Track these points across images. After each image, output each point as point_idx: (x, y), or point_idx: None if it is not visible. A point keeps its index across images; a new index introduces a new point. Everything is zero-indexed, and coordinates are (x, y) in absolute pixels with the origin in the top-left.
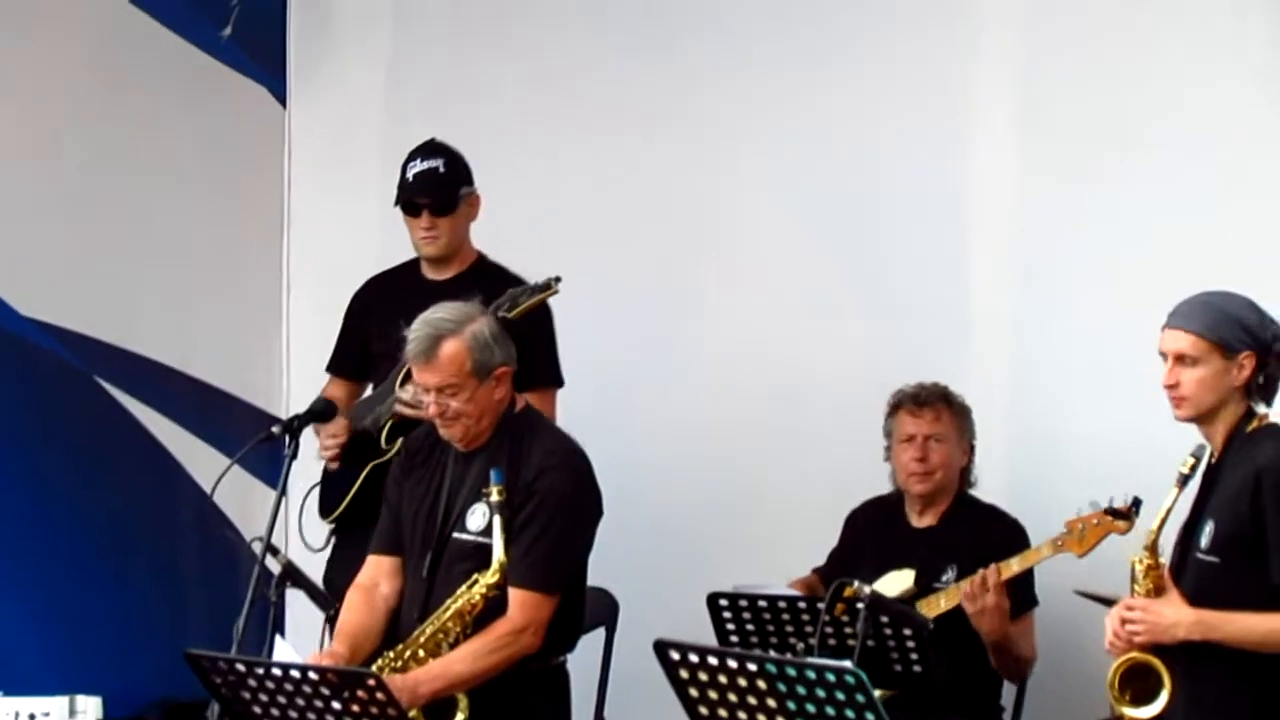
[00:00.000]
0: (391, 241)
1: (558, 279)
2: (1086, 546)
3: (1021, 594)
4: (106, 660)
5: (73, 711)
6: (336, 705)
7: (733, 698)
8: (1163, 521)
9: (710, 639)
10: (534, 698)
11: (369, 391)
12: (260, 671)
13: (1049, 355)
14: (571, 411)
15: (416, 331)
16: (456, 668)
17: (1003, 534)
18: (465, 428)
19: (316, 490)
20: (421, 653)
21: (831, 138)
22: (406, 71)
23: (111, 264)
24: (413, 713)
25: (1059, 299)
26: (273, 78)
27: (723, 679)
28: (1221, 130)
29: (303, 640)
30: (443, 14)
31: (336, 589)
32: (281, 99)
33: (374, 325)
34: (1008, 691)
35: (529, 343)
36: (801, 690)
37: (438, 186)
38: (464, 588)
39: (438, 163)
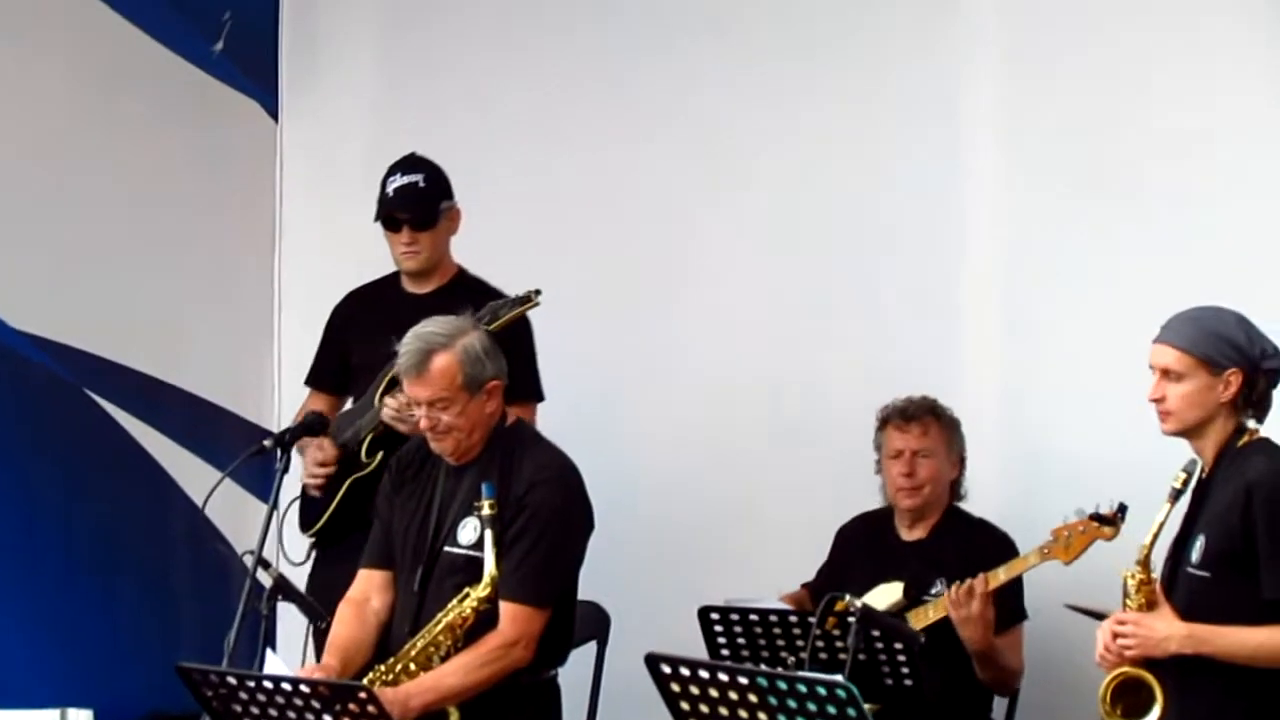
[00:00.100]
0: (383, 255)
1: (538, 291)
2: (1073, 554)
3: (1010, 607)
4: (97, 673)
5: None
6: (328, 718)
7: (724, 711)
8: (1155, 536)
9: (701, 652)
10: (525, 711)
11: (349, 405)
12: (251, 684)
13: (1040, 369)
14: (562, 424)
15: (408, 345)
16: (448, 681)
17: (992, 546)
18: (456, 441)
19: (297, 504)
20: (413, 666)
21: (822, 149)
22: (398, 86)
23: (102, 277)
24: None
25: (1050, 312)
26: (265, 92)
27: (714, 692)
28: (1210, 156)
29: (293, 654)
30: (433, 30)
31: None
32: (273, 113)
33: (354, 339)
34: (998, 706)
35: (508, 356)
36: (792, 704)
37: (418, 201)
38: (455, 601)
39: (418, 177)
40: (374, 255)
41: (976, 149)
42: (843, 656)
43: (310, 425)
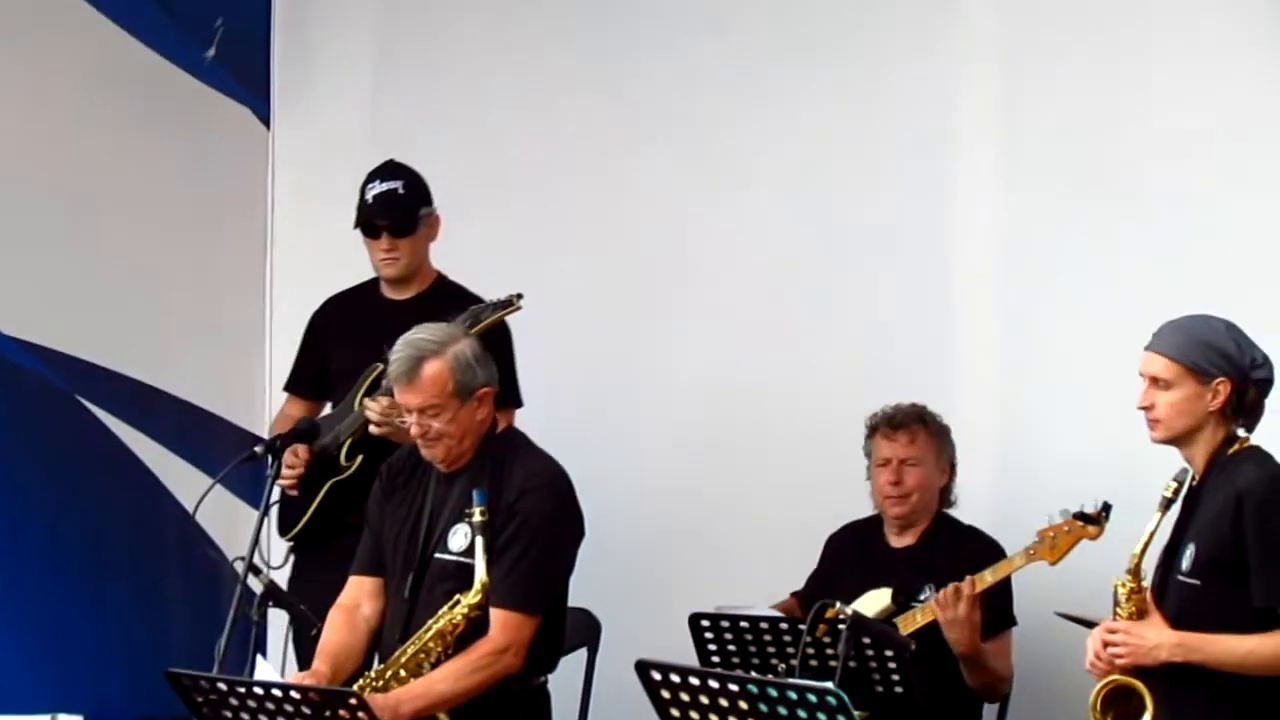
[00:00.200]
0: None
1: (519, 296)
2: (1059, 554)
3: (999, 613)
4: (88, 679)
5: None
6: None
7: (714, 718)
8: (1146, 544)
9: (692, 660)
10: (515, 718)
11: (327, 410)
12: (242, 690)
13: (1037, 371)
14: (551, 431)
15: (399, 352)
16: (438, 687)
17: (981, 553)
18: (447, 448)
19: (276, 508)
20: (403, 672)
21: (821, 149)
22: (390, 93)
23: (94, 283)
24: None
25: (1049, 314)
26: (256, 99)
27: (704, 699)
28: (1210, 156)
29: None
30: (426, 36)
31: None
32: (265, 120)
33: (333, 344)
34: (988, 714)
35: None
36: (783, 711)
37: (397, 207)
38: (445, 608)
39: (397, 184)
40: (365, 262)
41: (975, 149)
42: (833, 664)
43: (301, 432)
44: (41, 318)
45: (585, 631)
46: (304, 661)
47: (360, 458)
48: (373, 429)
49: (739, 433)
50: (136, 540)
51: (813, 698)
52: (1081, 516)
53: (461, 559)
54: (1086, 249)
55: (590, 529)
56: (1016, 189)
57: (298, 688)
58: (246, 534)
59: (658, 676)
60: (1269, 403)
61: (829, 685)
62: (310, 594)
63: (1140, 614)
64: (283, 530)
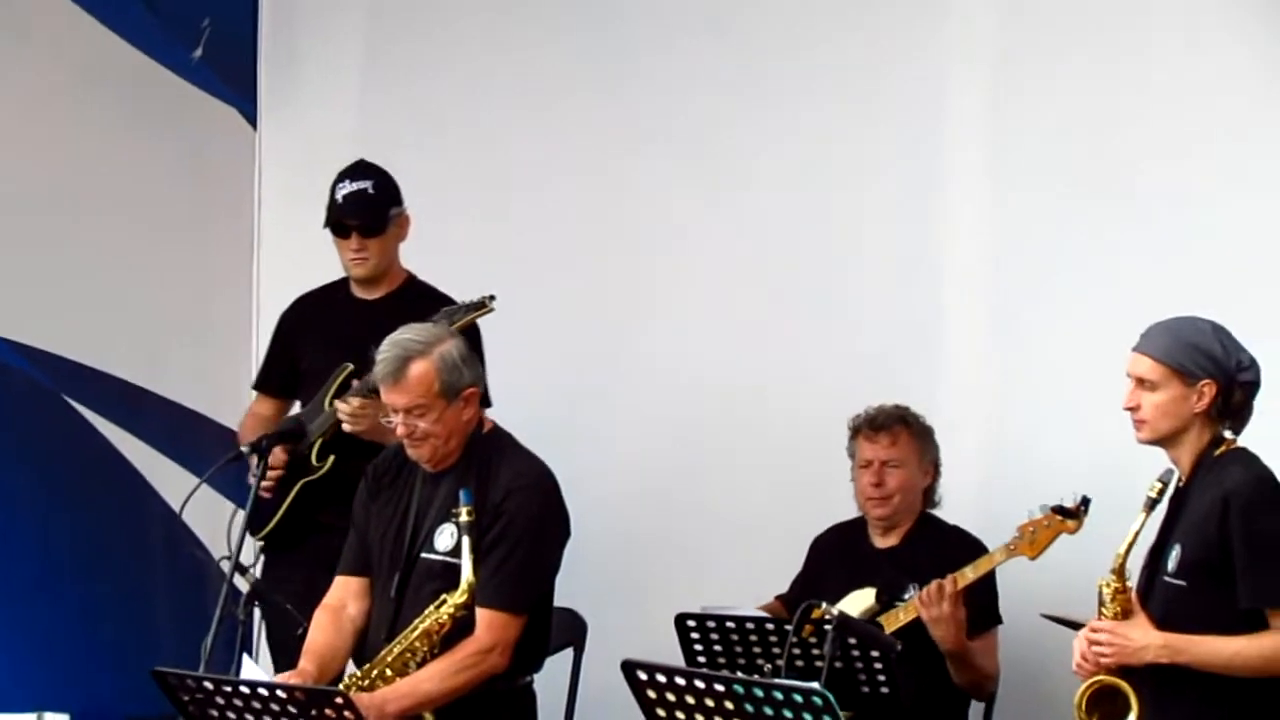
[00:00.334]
0: None
1: (492, 297)
2: (1039, 548)
3: (984, 611)
4: (74, 678)
5: None
6: None
7: (700, 718)
8: (1130, 545)
9: (678, 660)
10: (501, 717)
11: (295, 409)
12: (228, 689)
13: (1024, 378)
14: (536, 431)
15: (385, 352)
16: (424, 687)
17: (964, 552)
18: (433, 448)
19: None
20: (389, 672)
21: (801, 154)
22: (377, 94)
23: (81, 283)
24: None
25: (1031, 320)
26: (243, 99)
27: (690, 699)
28: (1209, 156)
29: (265, 659)
30: (413, 38)
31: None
32: (252, 120)
33: (303, 344)
34: (975, 713)
35: None
36: (769, 711)
37: (366, 207)
38: (432, 608)
39: (367, 184)
40: None
41: (972, 149)
42: (819, 664)
43: (287, 432)
44: (29, 318)
45: (571, 631)
46: (281, 660)
47: (331, 458)
48: (345, 428)
49: (724, 434)
50: (123, 540)
51: (799, 698)
52: (1060, 510)
53: (448, 559)
54: (1083, 249)
55: (577, 529)
56: (1013, 189)
57: (284, 687)
58: (232, 533)
59: (644, 676)
60: (1257, 405)
61: (815, 685)
62: (281, 593)
63: (1125, 614)
64: (254, 530)
